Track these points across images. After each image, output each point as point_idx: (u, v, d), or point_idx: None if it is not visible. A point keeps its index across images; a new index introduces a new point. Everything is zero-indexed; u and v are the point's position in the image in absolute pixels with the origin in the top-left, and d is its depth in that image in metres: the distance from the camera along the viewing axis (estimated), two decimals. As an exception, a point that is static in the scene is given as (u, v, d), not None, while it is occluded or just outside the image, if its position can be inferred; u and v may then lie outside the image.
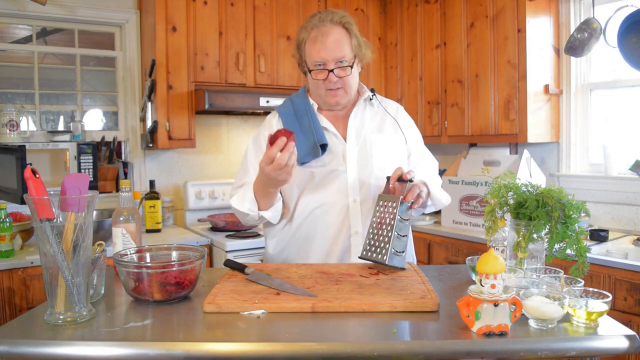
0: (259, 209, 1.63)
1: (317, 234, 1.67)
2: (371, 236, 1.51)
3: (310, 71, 1.67)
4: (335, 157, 1.69)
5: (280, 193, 1.73)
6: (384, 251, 1.45)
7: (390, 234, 1.45)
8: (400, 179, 1.52)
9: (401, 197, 1.47)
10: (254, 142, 1.78)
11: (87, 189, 1.16)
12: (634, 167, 2.73)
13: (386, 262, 1.43)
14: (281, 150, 1.40)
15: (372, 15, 3.74)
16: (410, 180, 1.50)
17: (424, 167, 1.79)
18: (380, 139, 1.73)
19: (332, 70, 1.62)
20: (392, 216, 1.47)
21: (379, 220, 1.51)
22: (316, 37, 1.63)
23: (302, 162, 1.65)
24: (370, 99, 1.79)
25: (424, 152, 1.85)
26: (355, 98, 1.77)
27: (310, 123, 1.68)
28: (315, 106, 1.74)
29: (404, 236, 1.48)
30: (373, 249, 1.49)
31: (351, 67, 1.65)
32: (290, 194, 1.69)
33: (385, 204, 1.52)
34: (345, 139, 1.71)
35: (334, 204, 1.66)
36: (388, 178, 1.57)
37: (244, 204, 1.63)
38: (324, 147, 1.66)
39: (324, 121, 1.72)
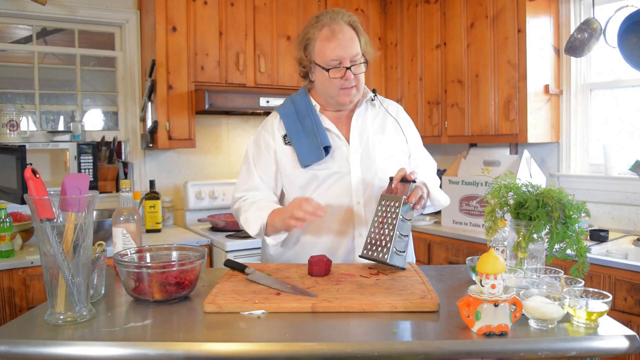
0: (265, 234, 1.64)
1: (321, 236, 1.67)
2: (372, 235, 1.51)
3: (327, 70, 1.63)
4: (339, 159, 1.68)
5: (284, 194, 1.72)
6: (385, 250, 1.45)
7: (392, 234, 1.45)
8: (404, 180, 1.52)
9: (404, 197, 1.48)
10: (254, 144, 1.77)
11: (87, 189, 1.16)
12: (634, 167, 2.73)
13: (387, 261, 1.43)
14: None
15: (372, 15, 3.74)
16: (414, 181, 1.50)
17: (423, 167, 1.78)
18: (383, 140, 1.73)
19: (349, 68, 1.62)
20: (394, 216, 1.47)
21: (380, 219, 1.51)
22: (330, 35, 1.62)
23: (305, 164, 1.65)
24: (372, 100, 1.79)
25: (424, 152, 1.85)
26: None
27: (313, 124, 1.68)
28: (318, 107, 1.73)
29: (405, 236, 1.48)
30: (374, 247, 1.49)
31: (365, 63, 1.65)
32: (294, 196, 1.68)
33: (388, 203, 1.52)
34: (348, 140, 1.71)
35: (338, 206, 1.66)
36: (391, 178, 1.57)
37: (253, 227, 1.63)
38: (327, 149, 1.65)
39: (326, 122, 1.72)
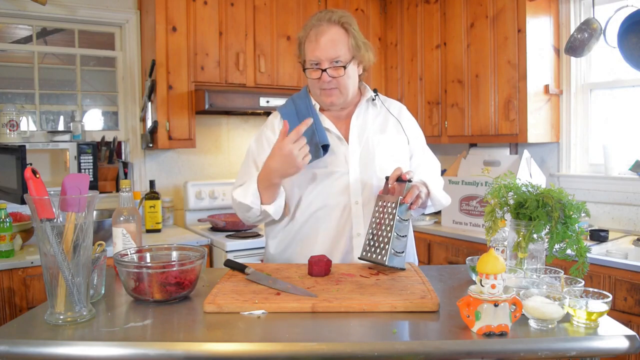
0: (262, 203, 1.62)
1: (319, 235, 1.67)
2: (370, 237, 1.51)
3: (305, 70, 1.67)
4: (337, 158, 1.68)
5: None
6: (383, 252, 1.45)
7: (389, 235, 1.45)
8: (399, 179, 1.51)
9: (400, 197, 1.47)
10: (256, 142, 1.77)
11: (88, 189, 1.16)
12: (634, 167, 2.73)
13: (386, 263, 1.43)
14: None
15: (372, 15, 3.74)
16: (409, 181, 1.50)
17: (426, 168, 1.78)
18: (383, 140, 1.73)
19: (325, 70, 1.62)
20: (391, 217, 1.47)
21: (378, 220, 1.51)
22: (312, 36, 1.63)
23: None
24: (373, 100, 1.79)
25: (427, 153, 1.84)
26: (358, 98, 1.77)
27: (312, 123, 1.68)
28: (317, 106, 1.73)
29: (403, 236, 1.48)
30: (372, 249, 1.49)
31: (345, 67, 1.63)
32: (292, 194, 1.68)
33: (385, 204, 1.51)
34: (347, 140, 1.71)
35: (336, 205, 1.66)
36: (387, 178, 1.56)
37: (247, 196, 1.62)
38: (325, 147, 1.65)
39: (325, 122, 1.72)
